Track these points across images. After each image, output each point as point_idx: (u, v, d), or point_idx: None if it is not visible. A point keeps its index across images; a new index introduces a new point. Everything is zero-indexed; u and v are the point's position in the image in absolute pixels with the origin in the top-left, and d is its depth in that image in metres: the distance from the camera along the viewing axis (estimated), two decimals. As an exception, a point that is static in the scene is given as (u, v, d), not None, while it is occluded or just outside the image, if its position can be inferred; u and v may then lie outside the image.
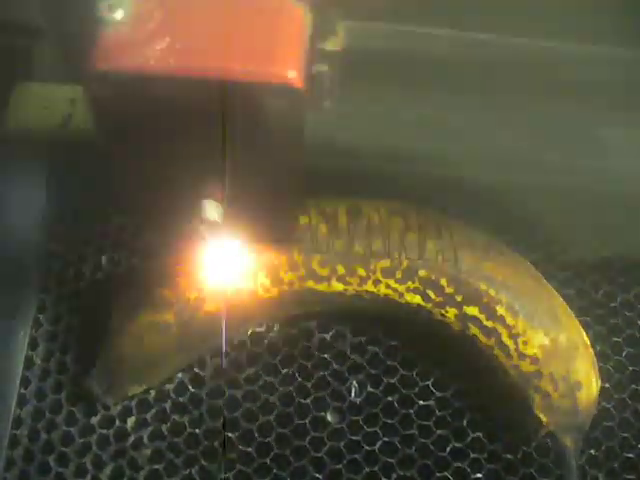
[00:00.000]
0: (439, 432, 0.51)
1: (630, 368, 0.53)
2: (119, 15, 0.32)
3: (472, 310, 0.48)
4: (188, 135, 0.34)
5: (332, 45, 0.34)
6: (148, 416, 0.51)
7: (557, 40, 0.38)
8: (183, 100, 0.32)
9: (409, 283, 0.48)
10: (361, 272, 0.48)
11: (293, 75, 0.31)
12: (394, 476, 0.50)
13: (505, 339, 0.48)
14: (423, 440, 0.51)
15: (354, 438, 0.51)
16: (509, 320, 0.48)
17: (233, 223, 0.38)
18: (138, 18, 0.32)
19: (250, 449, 0.50)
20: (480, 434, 0.51)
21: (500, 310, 0.48)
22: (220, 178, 0.35)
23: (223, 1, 0.32)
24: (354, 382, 0.52)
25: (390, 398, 0.52)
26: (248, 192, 0.37)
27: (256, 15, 0.32)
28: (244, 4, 0.32)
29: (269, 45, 0.32)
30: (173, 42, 0.31)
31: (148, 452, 0.51)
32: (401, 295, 0.49)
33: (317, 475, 0.50)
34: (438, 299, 0.48)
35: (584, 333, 0.49)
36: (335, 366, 0.53)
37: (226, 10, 0.32)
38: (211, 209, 0.36)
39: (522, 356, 0.48)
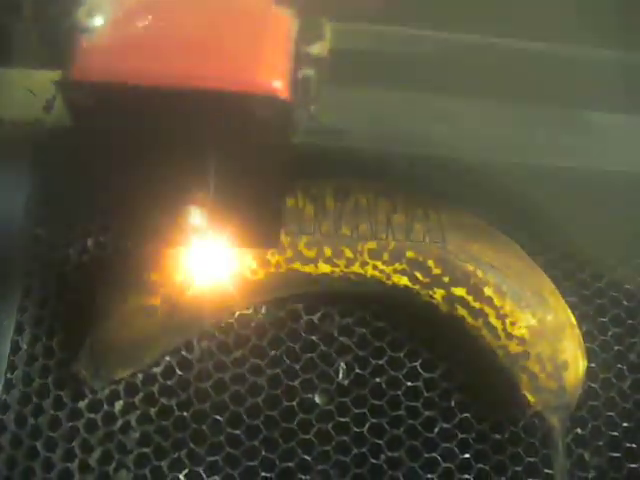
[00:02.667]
0: (427, 413, 0.51)
1: (616, 348, 0.54)
2: (98, 21, 0.30)
3: (459, 291, 0.48)
4: (172, 141, 0.33)
5: (318, 50, 0.33)
6: (136, 399, 0.51)
7: (542, 41, 0.38)
8: (165, 109, 0.31)
9: (396, 264, 0.48)
10: (348, 254, 0.48)
11: (279, 85, 0.30)
12: (383, 457, 0.50)
13: (492, 320, 0.48)
14: (411, 421, 0.51)
15: (342, 420, 0.51)
16: (496, 301, 0.48)
17: (218, 226, 0.37)
18: (118, 25, 0.30)
19: (238, 432, 0.50)
20: (468, 414, 0.51)
21: (487, 291, 0.48)
22: (205, 183, 0.34)
23: (206, 8, 0.31)
24: (342, 364, 0.53)
25: (378, 379, 0.52)
26: (233, 197, 0.36)
27: (240, 22, 0.31)
28: (228, 11, 0.31)
29: (254, 54, 0.30)
30: (154, 50, 0.30)
31: (136, 435, 0.51)
32: (388, 276, 0.48)
33: (306, 457, 0.50)
34: (425, 280, 0.48)
35: (571, 313, 0.50)
36: (323, 348, 0.53)
37: (209, 17, 0.31)
38: (195, 215, 0.36)
39: (509, 337, 0.48)
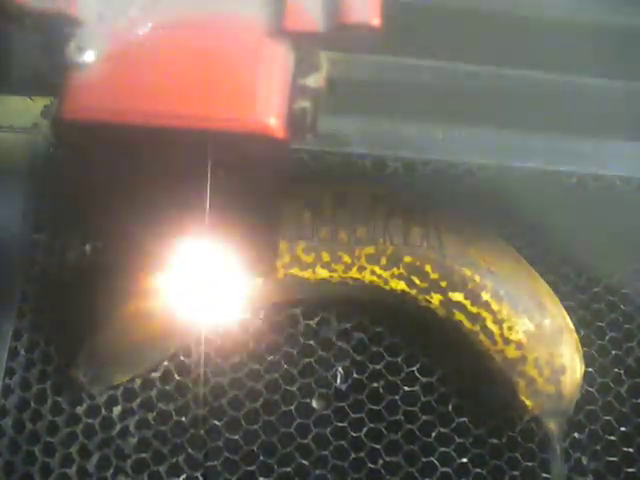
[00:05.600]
0: (424, 418, 0.51)
1: (613, 352, 0.54)
2: (88, 57, 0.29)
3: (457, 296, 0.48)
4: (166, 175, 0.33)
5: (314, 81, 0.33)
6: (134, 405, 0.51)
7: (540, 70, 0.38)
8: (159, 147, 0.30)
9: (394, 269, 0.48)
10: (346, 259, 0.48)
11: (274, 123, 0.29)
12: (380, 462, 0.50)
13: (490, 325, 0.48)
14: (409, 426, 0.51)
15: (340, 424, 0.51)
16: (494, 306, 0.48)
17: (216, 232, 0.37)
18: (110, 61, 0.29)
19: (236, 437, 0.50)
20: (465, 419, 0.51)
21: (485, 296, 0.48)
22: (201, 195, 0.34)
23: (199, 46, 0.30)
24: (340, 369, 0.53)
25: (375, 384, 0.52)
26: (230, 204, 0.36)
27: (234, 59, 0.30)
28: (222, 49, 0.31)
29: (248, 92, 0.30)
30: (146, 88, 0.29)
31: (134, 441, 0.51)
32: (386, 281, 0.49)
33: (303, 461, 0.50)
34: (423, 285, 0.48)
35: (568, 318, 0.50)
36: (321, 353, 0.53)
37: (203, 55, 0.30)
38: (193, 224, 0.36)
39: (507, 341, 0.48)
